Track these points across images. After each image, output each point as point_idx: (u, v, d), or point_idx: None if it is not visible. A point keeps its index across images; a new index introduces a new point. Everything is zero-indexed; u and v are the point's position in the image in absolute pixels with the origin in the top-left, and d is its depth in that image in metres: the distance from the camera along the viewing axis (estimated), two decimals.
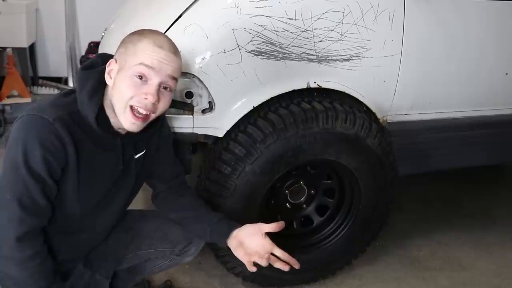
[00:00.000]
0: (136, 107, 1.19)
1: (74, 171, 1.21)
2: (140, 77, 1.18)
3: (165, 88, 1.23)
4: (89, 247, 1.44)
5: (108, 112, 1.24)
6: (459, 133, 2.03)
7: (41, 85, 4.30)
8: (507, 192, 2.97)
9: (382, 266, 2.16)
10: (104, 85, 1.24)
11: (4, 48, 3.77)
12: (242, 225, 1.41)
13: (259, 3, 1.53)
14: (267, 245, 1.36)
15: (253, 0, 1.53)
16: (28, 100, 3.64)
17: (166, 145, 1.48)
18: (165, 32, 1.54)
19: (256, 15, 1.53)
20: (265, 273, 1.85)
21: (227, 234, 1.40)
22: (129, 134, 1.27)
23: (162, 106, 1.24)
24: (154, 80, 1.19)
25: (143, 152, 1.39)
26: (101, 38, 2.29)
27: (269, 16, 1.54)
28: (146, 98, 1.18)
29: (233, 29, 1.51)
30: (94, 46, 3.98)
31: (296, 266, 1.40)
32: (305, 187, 1.89)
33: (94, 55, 3.96)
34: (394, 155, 1.85)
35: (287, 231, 1.94)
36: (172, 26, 1.55)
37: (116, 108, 1.21)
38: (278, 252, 1.38)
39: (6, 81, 3.67)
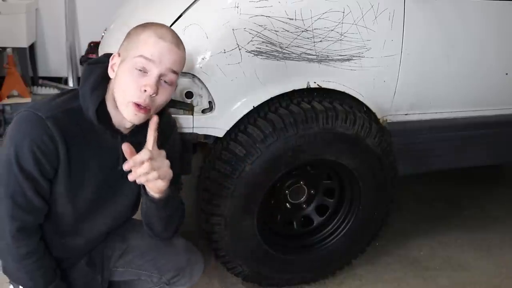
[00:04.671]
0: (136, 102, 1.16)
1: (65, 171, 1.20)
2: (140, 70, 1.15)
3: (166, 81, 1.19)
4: (85, 250, 1.42)
5: (110, 107, 1.22)
6: (459, 133, 2.03)
7: (41, 85, 4.30)
8: (507, 192, 2.97)
9: (382, 266, 2.16)
10: (108, 80, 1.23)
11: (4, 48, 3.77)
12: None
13: (259, 3, 1.53)
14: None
15: (253, 0, 1.53)
16: (28, 100, 3.65)
17: (171, 155, 1.26)
18: None
19: (256, 15, 1.53)
20: (265, 273, 1.86)
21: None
22: (130, 133, 1.25)
23: (161, 99, 1.20)
24: (154, 72, 1.16)
25: None
26: (101, 38, 2.29)
27: (269, 16, 1.53)
28: (145, 90, 1.15)
29: (233, 29, 1.51)
30: (94, 46, 3.98)
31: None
32: (305, 187, 1.89)
33: (94, 55, 3.99)
34: (394, 155, 1.86)
35: (287, 231, 1.95)
36: (172, 26, 1.55)
37: (118, 102, 1.19)
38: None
39: (6, 81, 3.67)
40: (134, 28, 1.23)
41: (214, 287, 1.95)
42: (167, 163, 1.19)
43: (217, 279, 1.98)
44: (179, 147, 1.47)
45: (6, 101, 3.59)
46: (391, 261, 2.20)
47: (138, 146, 1.26)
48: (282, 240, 1.90)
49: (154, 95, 1.16)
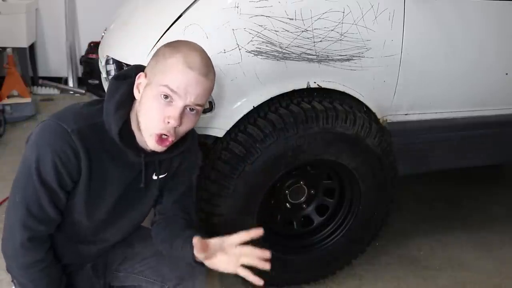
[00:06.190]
0: (159, 133, 1.14)
1: (85, 185, 1.18)
2: (166, 96, 1.11)
3: (192, 109, 1.14)
4: (95, 256, 1.42)
5: (134, 127, 1.19)
6: (459, 133, 2.03)
7: (41, 85, 4.31)
8: (507, 192, 2.97)
9: (382, 266, 2.17)
10: (133, 97, 1.19)
11: (4, 48, 3.77)
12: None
13: (259, 3, 1.53)
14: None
15: (253, 0, 1.53)
16: (28, 100, 3.64)
17: (186, 173, 1.37)
18: (165, 32, 1.55)
19: (256, 15, 1.53)
20: (265, 273, 1.85)
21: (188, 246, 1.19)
22: (153, 151, 1.21)
23: (184, 128, 1.16)
24: (178, 104, 1.11)
25: (164, 175, 1.32)
26: (101, 38, 2.29)
27: (269, 16, 1.53)
28: (168, 122, 1.11)
29: (233, 29, 1.51)
30: (94, 46, 3.97)
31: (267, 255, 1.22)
32: (305, 187, 1.89)
33: (94, 55, 3.99)
34: (394, 155, 1.86)
35: (287, 231, 1.95)
36: (172, 26, 1.55)
37: (141, 126, 1.16)
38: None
39: (6, 81, 3.67)
40: (163, 46, 1.17)
41: (214, 287, 1.95)
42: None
43: (217, 279, 1.98)
44: (194, 168, 1.42)
45: (6, 101, 3.58)
46: (391, 261, 2.20)
47: (161, 163, 1.28)
48: (282, 240, 1.90)
49: (178, 126, 1.13)
